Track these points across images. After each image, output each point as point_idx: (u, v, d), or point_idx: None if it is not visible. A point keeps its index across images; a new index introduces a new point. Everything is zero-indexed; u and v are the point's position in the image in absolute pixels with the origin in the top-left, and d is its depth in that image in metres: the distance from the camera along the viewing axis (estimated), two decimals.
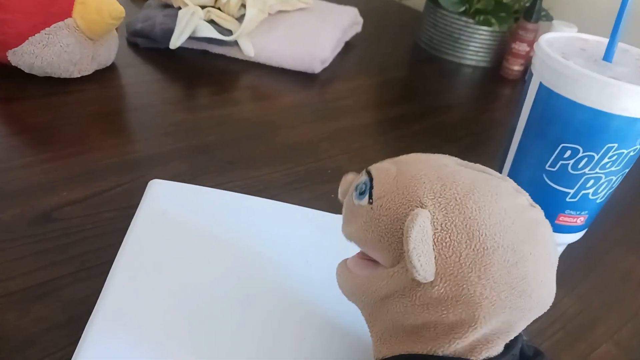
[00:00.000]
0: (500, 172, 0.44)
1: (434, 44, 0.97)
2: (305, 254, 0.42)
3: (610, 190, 0.40)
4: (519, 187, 0.29)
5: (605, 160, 0.37)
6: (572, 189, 0.39)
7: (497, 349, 0.28)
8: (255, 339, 0.35)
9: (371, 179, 0.29)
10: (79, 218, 0.44)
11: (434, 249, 0.26)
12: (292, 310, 0.37)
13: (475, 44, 0.93)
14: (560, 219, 0.41)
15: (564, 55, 0.37)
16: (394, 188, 0.28)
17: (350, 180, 0.32)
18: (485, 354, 0.27)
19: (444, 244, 0.26)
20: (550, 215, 0.41)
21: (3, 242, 0.41)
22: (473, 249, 0.25)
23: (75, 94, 0.62)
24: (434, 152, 0.28)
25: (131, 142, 0.56)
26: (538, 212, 0.28)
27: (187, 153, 0.56)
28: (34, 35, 0.60)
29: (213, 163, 0.55)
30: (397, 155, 0.32)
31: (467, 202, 0.26)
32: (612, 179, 0.39)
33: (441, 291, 0.26)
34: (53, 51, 0.61)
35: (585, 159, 0.37)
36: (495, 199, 0.27)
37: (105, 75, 0.68)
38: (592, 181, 0.38)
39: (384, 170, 0.30)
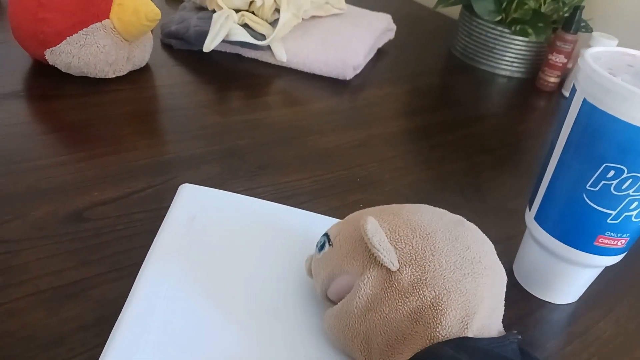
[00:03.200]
0: (537, 189, 0.43)
1: (468, 52, 0.95)
2: None
3: None
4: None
5: None
6: (614, 210, 0.38)
7: (488, 325, 0.32)
8: (281, 349, 0.35)
9: (326, 234, 0.37)
10: (110, 218, 0.45)
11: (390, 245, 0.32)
12: (318, 321, 0.37)
13: (510, 54, 0.91)
14: (600, 240, 0.39)
15: (610, 71, 0.36)
16: (344, 226, 0.36)
17: (311, 255, 0.39)
18: (477, 324, 0.31)
19: (396, 240, 0.32)
20: (589, 237, 0.40)
21: (36, 240, 0.41)
22: (419, 236, 0.32)
23: (109, 94, 0.63)
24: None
25: (163, 143, 0.56)
26: (460, 217, 0.36)
27: (218, 156, 0.56)
28: (72, 35, 0.61)
29: (243, 167, 0.55)
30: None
31: (401, 212, 0.34)
32: None
33: (409, 276, 0.31)
34: (90, 51, 0.62)
35: (630, 180, 0.36)
36: (421, 210, 0.35)
37: (139, 76, 0.69)
38: (636, 203, 0.37)
39: (334, 224, 0.38)
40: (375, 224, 0.32)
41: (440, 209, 0.36)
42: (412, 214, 0.34)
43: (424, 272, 0.31)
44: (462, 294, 0.31)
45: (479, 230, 0.35)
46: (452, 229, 0.33)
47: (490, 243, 0.35)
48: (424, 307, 0.31)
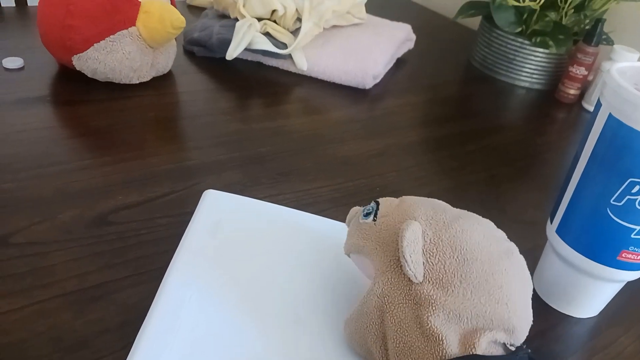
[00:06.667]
0: (560, 202, 0.43)
1: (487, 63, 0.95)
2: (353, 272, 0.42)
3: None
4: (498, 229, 0.35)
5: None
6: (638, 225, 0.37)
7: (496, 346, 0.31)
8: (302, 354, 0.35)
9: (377, 204, 0.36)
10: (134, 222, 0.45)
11: (423, 256, 0.31)
12: (339, 326, 0.37)
13: (530, 66, 0.91)
14: (623, 255, 0.39)
15: (637, 87, 0.36)
16: (395, 211, 0.35)
17: (357, 210, 0.38)
18: (484, 344, 0.30)
19: (431, 254, 0.31)
20: (613, 251, 0.39)
21: (62, 242, 0.42)
22: (455, 259, 0.31)
23: (133, 100, 0.64)
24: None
25: (186, 149, 0.57)
26: (513, 246, 0.34)
27: (239, 163, 0.56)
28: (99, 41, 0.62)
29: (264, 174, 0.55)
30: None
31: (454, 225, 0.32)
32: None
33: (429, 292, 0.31)
34: (115, 58, 0.63)
35: None
36: (476, 227, 0.33)
37: (162, 82, 0.70)
38: None
39: (389, 200, 0.36)
40: (416, 233, 0.31)
41: (499, 232, 0.35)
42: (464, 230, 0.32)
43: (445, 295, 0.31)
44: (477, 324, 0.30)
45: (524, 265, 0.34)
46: (494, 261, 0.32)
47: (530, 283, 0.34)
48: (436, 326, 0.30)
